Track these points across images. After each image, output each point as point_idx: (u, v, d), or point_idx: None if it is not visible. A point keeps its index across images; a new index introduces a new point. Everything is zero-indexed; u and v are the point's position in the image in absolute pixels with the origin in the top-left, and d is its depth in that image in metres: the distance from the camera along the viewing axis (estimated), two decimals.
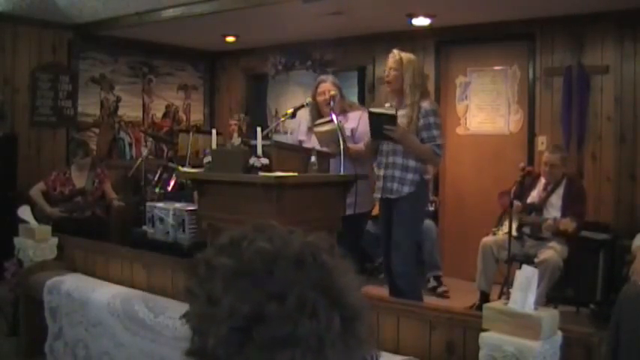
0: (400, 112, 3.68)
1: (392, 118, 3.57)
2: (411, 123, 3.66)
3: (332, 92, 3.94)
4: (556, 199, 4.60)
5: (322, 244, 0.79)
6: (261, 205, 3.07)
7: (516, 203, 4.50)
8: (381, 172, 3.79)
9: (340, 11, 5.44)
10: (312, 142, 3.87)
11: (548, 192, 4.63)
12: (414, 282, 3.84)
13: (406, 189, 3.69)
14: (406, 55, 3.78)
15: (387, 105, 3.77)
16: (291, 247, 0.76)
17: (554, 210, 4.55)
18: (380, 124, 3.58)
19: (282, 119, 4.13)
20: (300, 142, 4.00)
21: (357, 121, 3.91)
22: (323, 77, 4.22)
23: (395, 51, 3.82)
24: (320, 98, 3.98)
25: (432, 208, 5.61)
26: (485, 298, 4.50)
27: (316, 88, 4.06)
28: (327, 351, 0.71)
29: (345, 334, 0.73)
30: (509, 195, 4.51)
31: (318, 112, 4.01)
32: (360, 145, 3.88)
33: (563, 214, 4.44)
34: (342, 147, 3.59)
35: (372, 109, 3.76)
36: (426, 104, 3.70)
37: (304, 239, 0.79)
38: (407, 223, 3.74)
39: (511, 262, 4.36)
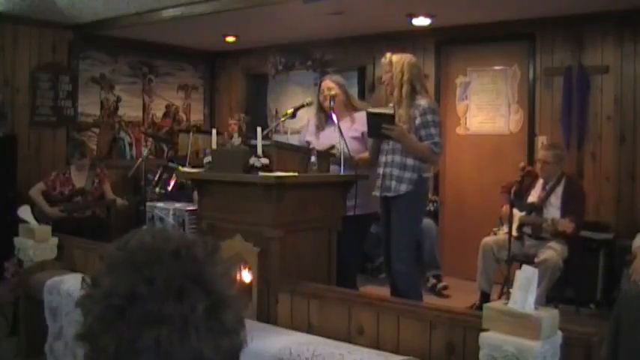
0: (396, 112, 3.69)
1: (390, 118, 3.57)
2: (402, 121, 3.65)
3: (332, 92, 3.93)
4: (555, 199, 4.60)
5: (200, 242, 0.90)
6: (261, 205, 3.07)
7: (516, 212, 4.51)
8: (380, 171, 3.79)
9: (340, 11, 5.44)
10: (320, 143, 3.86)
11: (548, 192, 4.64)
12: (413, 281, 3.83)
13: (404, 187, 3.68)
14: (396, 56, 3.78)
15: (391, 105, 3.77)
16: (170, 241, 0.87)
17: (553, 210, 4.55)
18: (378, 124, 3.58)
19: (282, 119, 4.12)
20: (308, 142, 3.98)
21: (364, 124, 3.89)
22: (327, 76, 4.23)
23: (387, 54, 3.83)
24: (320, 96, 3.98)
25: (432, 208, 5.61)
26: (485, 298, 4.50)
27: (319, 87, 4.06)
28: (190, 332, 0.80)
29: (210, 319, 0.82)
30: (509, 190, 4.53)
31: (321, 111, 4.01)
32: (366, 154, 3.89)
33: (563, 214, 4.45)
34: (342, 147, 3.59)
35: (371, 110, 3.75)
36: (424, 102, 3.70)
37: (184, 237, 0.90)
38: (405, 221, 3.73)
39: (511, 262, 4.36)
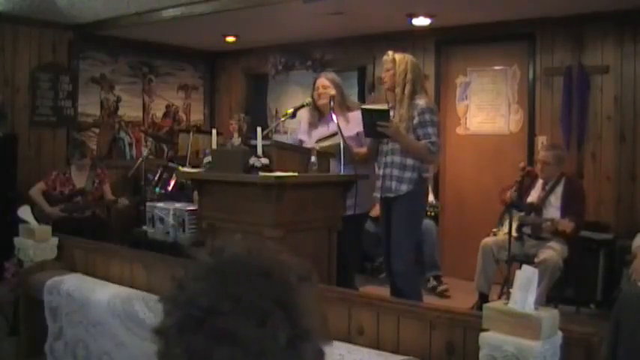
0: (395, 111, 3.69)
1: (384, 113, 3.57)
2: (402, 120, 3.65)
3: (332, 92, 3.93)
4: (555, 199, 4.59)
5: (297, 267, 0.85)
6: (261, 205, 3.07)
7: (515, 212, 4.51)
8: (381, 172, 3.79)
9: (340, 11, 5.44)
10: (313, 141, 3.86)
11: (547, 192, 4.63)
12: (413, 281, 3.83)
13: (404, 187, 3.68)
14: (399, 55, 3.78)
15: (391, 105, 3.76)
16: (264, 260, 0.83)
17: (553, 210, 4.55)
18: (373, 122, 3.57)
19: (282, 119, 4.11)
20: (301, 141, 3.98)
21: (359, 124, 3.89)
22: (322, 74, 4.21)
23: (389, 52, 3.82)
24: (315, 94, 3.97)
25: (432, 213, 5.58)
26: (484, 299, 4.50)
27: (314, 84, 4.05)
28: None
29: (289, 350, 0.78)
30: (510, 192, 4.52)
31: (317, 109, 3.99)
32: (363, 149, 3.88)
33: (563, 214, 4.44)
34: (342, 148, 3.59)
35: (364, 106, 3.75)
36: (422, 102, 3.70)
37: (279, 258, 0.86)
38: (405, 221, 3.73)
39: (511, 263, 4.36)
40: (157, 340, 0.82)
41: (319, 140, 3.81)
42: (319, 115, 3.97)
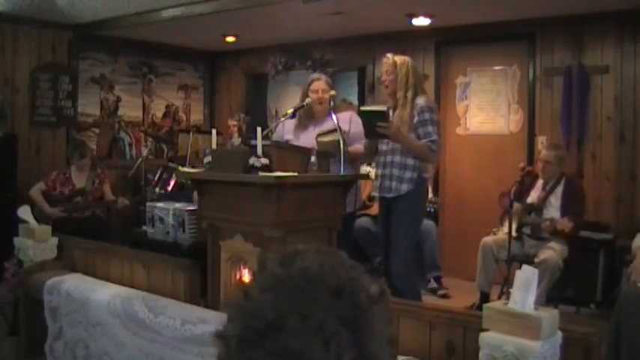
0: (397, 112, 3.69)
1: (383, 115, 3.57)
2: (403, 122, 3.65)
3: (332, 93, 3.93)
4: (555, 199, 4.60)
5: (370, 286, 0.81)
6: (261, 205, 3.06)
7: (516, 205, 4.50)
8: (380, 172, 3.79)
9: (340, 11, 5.44)
10: (301, 140, 3.84)
11: (547, 192, 4.64)
12: (412, 282, 3.83)
13: (404, 187, 3.68)
14: (399, 58, 3.78)
15: (388, 106, 3.76)
16: (335, 276, 0.79)
17: (553, 210, 4.55)
18: (373, 123, 3.58)
19: (282, 119, 4.11)
20: (288, 141, 3.95)
21: (348, 123, 3.87)
22: (317, 75, 4.20)
23: (388, 55, 3.82)
24: (313, 96, 3.96)
25: (431, 210, 5.59)
26: (485, 298, 4.50)
27: (309, 85, 4.04)
28: None
29: None
30: (509, 195, 4.51)
31: (309, 110, 3.96)
32: (359, 147, 3.88)
33: (562, 214, 4.45)
34: (342, 148, 3.59)
35: (362, 108, 3.76)
36: (421, 101, 3.70)
37: (352, 275, 0.81)
38: (406, 222, 3.73)
39: (511, 262, 4.36)
40: (219, 345, 0.80)
41: (320, 135, 3.81)
42: (309, 114, 3.96)
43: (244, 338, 0.76)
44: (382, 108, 3.65)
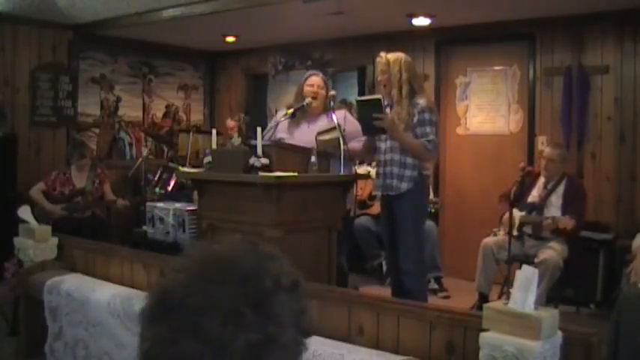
0: (393, 110, 3.69)
1: (378, 103, 3.56)
2: (401, 120, 3.65)
3: (332, 93, 3.94)
4: (556, 199, 4.59)
5: (279, 274, 0.84)
6: (261, 205, 3.07)
7: (516, 211, 4.50)
8: (380, 170, 3.79)
9: (340, 11, 5.44)
10: (295, 138, 3.83)
11: (549, 191, 4.63)
12: (422, 281, 3.83)
13: (405, 185, 3.68)
14: (392, 55, 3.77)
15: (384, 101, 3.76)
16: (245, 262, 0.84)
17: (554, 209, 4.55)
18: (369, 115, 3.57)
19: (282, 119, 4.11)
20: (281, 139, 3.94)
21: (342, 122, 3.88)
22: (313, 71, 4.21)
23: (382, 54, 3.82)
24: (309, 89, 3.95)
25: (432, 210, 5.59)
26: (484, 299, 4.49)
27: (305, 80, 4.03)
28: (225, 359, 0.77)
29: (250, 354, 0.78)
30: (508, 196, 4.51)
31: (302, 108, 3.95)
32: (356, 144, 3.87)
33: (564, 214, 4.44)
34: (342, 148, 3.59)
35: (358, 98, 3.76)
36: (422, 101, 3.70)
37: (264, 263, 0.85)
38: (410, 220, 3.73)
39: (511, 263, 4.36)
40: (140, 322, 0.85)
41: (320, 133, 3.81)
42: (305, 114, 3.96)
43: (153, 313, 0.82)
44: (377, 96, 3.65)
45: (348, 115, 4.00)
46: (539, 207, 4.60)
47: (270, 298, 0.82)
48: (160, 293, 0.83)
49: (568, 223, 4.23)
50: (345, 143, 3.61)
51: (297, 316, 0.84)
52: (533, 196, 4.69)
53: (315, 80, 3.97)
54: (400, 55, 3.79)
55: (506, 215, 4.50)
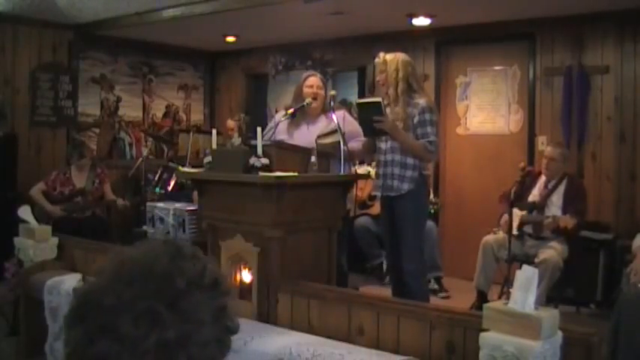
0: (390, 109, 3.69)
1: (377, 105, 3.56)
2: (399, 119, 3.65)
3: (332, 93, 3.93)
4: (557, 198, 4.59)
5: (194, 274, 0.86)
6: (261, 205, 3.07)
7: (516, 211, 4.49)
8: (381, 171, 3.79)
9: (340, 11, 5.44)
10: (295, 139, 3.83)
11: (549, 190, 4.63)
12: (424, 281, 3.83)
13: (405, 186, 3.68)
14: (390, 55, 3.78)
15: (384, 101, 3.76)
16: (159, 262, 0.85)
17: (555, 209, 4.55)
18: (369, 118, 3.58)
19: (282, 119, 4.11)
20: (281, 141, 3.93)
21: (341, 123, 3.87)
22: (311, 72, 4.20)
23: (380, 54, 3.82)
24: (308, 91, 3.95)
25: (432, 210, 5.58)
26: (483, 297, 4.49)
27: (303, 81, 4.03)
28: (139, 358, 0.78)
29: (162, 352, 0.79)
30: (508, 197, 4.51)
31: (302, 108, 3.95)
32: (356, 145, 3.87)
33: (564, 213, 4.44)
34: (342, 148, 3.59)
35: (359, 100, 3.75)
36: (422, 101, 3.70)
37: (178, 263, 0.85)
38: (411, 220, 3.73)
39: (511, 262, 4.36)
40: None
41: (320, 137, 3.81)
42: (304, 115, 3.96)
43: (73, 317, 0.83)
44: (377, 99, 3.65)
45: (348, 115, 4.00)
46: (540, 206, 4.60)
47: (184, 297, 0.83)
48: (80, 297, 0.84)
49: (569, 221, 4.22)
50: (345, 143, 3.61)
51: (217, 314, 0.86)
52: (534, 195, 4.69)
53: (313, 81, 3.97)
54: (398, 54, 3.79)
55: (504, 218, 4.49)
